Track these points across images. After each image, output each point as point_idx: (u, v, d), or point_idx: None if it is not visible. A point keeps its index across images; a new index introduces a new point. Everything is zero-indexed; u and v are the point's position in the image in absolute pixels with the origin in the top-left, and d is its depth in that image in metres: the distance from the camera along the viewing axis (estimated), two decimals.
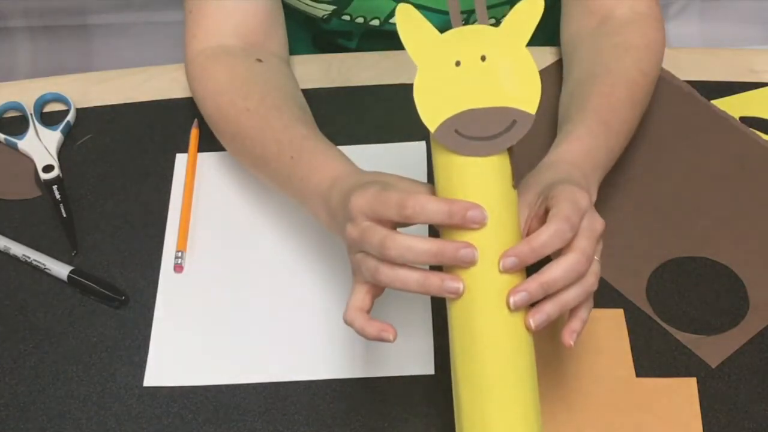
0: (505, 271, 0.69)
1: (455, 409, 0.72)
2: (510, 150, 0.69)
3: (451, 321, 0.71)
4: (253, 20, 0.96)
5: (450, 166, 0.69)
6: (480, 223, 0.68)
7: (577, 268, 0.70)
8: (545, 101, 0.71)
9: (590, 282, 0.72)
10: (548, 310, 0.70)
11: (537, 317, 0.70)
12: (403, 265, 0.69)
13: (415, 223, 0.70)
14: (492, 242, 0.68)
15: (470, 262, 0.68)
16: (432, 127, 0.68)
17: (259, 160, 0.88)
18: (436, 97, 0.68)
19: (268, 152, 0.87)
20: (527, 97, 0.68)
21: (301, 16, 1.08)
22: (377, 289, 0.73)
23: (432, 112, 0.68)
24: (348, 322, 0.72)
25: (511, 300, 0.69)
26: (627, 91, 0.89)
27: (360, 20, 1.06)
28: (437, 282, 0.69)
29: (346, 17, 1.05)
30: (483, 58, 0.68)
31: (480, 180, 0.69)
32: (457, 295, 0.69)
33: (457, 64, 0.68)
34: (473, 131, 0.68)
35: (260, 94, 0.90)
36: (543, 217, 0.72)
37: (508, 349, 0.69)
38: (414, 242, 0.68)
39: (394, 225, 0.71)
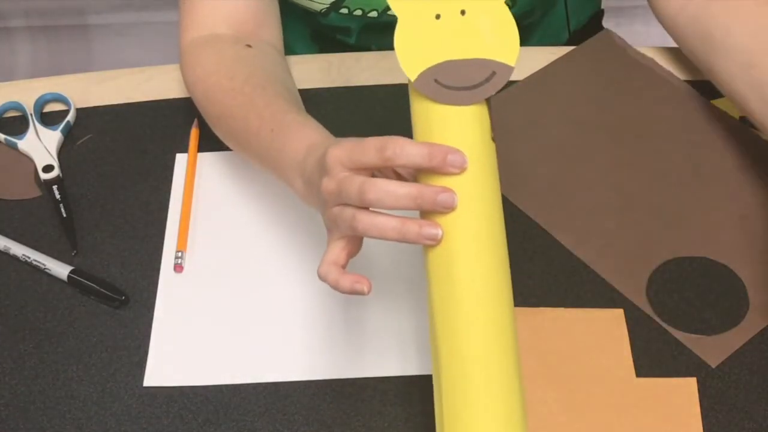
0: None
1: (433, 359, 0.70)
2: (488, 102, 0.70)
3: (429, 270, 0.70)
4: (245, 11, 0.97)
5: (429, 114, 0.69)
6: (460, 168, 0.68)
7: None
8: (545, 101, 0.71)
9: None
10: None
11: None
12: (380, 213, 0.69)
13: (395, 166, 0.69)
14: (470, 190, 0.68)
15: (450, 207, 0.68)
16: (412, 76, 0.69)
17: (243, 137, 0.89)
18: (417, 47, 0.69)
19: (251, 128, 0.87)
20: (506, 50, 0.69)
21: (299, 11, 1.09)
22: (353, 246, 0.72)
23: (412, 62, 0.69)
24: (322, 276, 0.72)
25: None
26: None
27: (358, 12, 1.06)
28: (415, 228, 0.68)
29: (344, 10, 1.06)
30: (462, 12, 0.69)
31: (459, 128, 0.69)
32: (436, 241, 0.68)
33: (437, 17, 0.69)
34: (453, 81, 0.68)
35: (246, 74, 0.91)
36: None
37: (487, 296, 0.68)
38: (393, 186, 0.68)
39: (372, 176, 0.70)
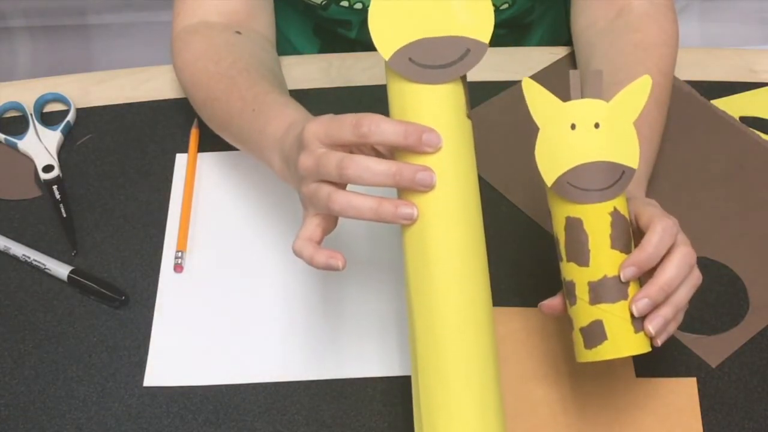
0: (626, 280, 0.71)
1: (410, 339, 0.71)
2: (464, 80, 0.70)
3: (405, 249, 0.70)
4: (237, 1, 0.98)
5: (404, 94, 0.69)
6: (435, 147, 0.68)
7: (688, 260, 0.72)
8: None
9: (697, 275, 0.74)
10: (664, 313, 0.72)
11: (655, 322, 0.72)
12: (356, 193, 0.69)
13: (370, 143, 0.70)
14: (446, 168, 0.69)
15: (428, 186, 0.68)
16: (386, 54, 0.69)
17: (226, 119, 0.89)
18: (391, 25, 0.69)
19: (234, 110, 0.87)
20: (481, 27, 0.69)
21: (300, 5, 1.09)
22: (328, 223, 0.73)
23: (387, 40, 0.69)
24: (297, 252, 0.72)
25: (633, 307, 0.71)
26: (651, 97, 0.89)
27: (358, 6, 1.06)
28: (391, 208, 0.68)
29: (345, 3, 1.06)
30: None
31: (433, 106, 0.69)
32: (411, 221, 0.69)
33: None
34: (427, 59, 0.68)
35: (232, 59, 0.91)
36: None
37: (461, 275, 0.69)
38: (372, 163, 0.68)
39: (348, 152, 0.71)
